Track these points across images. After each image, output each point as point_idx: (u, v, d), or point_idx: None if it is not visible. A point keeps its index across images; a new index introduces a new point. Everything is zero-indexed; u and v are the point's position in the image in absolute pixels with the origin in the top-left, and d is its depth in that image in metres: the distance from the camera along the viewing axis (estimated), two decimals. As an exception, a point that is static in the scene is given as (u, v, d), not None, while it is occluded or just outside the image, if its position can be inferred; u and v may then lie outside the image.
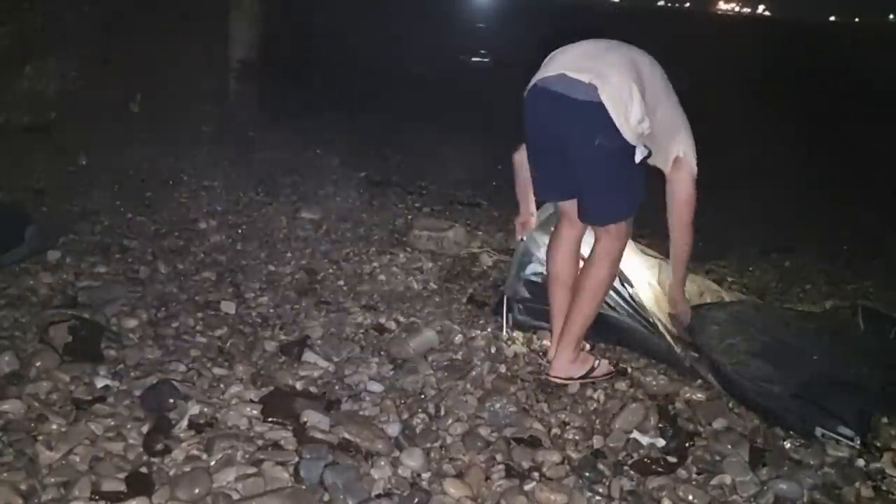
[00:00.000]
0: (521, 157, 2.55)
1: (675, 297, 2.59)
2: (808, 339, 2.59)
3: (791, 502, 1.91)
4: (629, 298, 2.60)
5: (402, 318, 2.83)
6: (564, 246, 2.49)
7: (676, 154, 2.31)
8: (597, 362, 2.43)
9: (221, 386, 2.20)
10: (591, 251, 2.38)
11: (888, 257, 4.43)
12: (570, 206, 2.43)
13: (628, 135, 2.15)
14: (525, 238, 2.74)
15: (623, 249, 2.37)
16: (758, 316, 2.77)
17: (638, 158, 2.20)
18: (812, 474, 1.99)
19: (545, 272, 2.78)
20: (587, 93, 2.14)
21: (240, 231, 3.77)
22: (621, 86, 2.15)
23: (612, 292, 2.56)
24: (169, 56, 5.83)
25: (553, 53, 2.33)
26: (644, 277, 2.77)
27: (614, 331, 2.63)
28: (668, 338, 2.51)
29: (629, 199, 2.30)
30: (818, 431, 2.14)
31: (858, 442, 2.11)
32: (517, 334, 2.72)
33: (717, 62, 13.40)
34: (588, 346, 2.62)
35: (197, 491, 1.70)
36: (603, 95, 2.13)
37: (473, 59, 13.68)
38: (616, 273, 2.42)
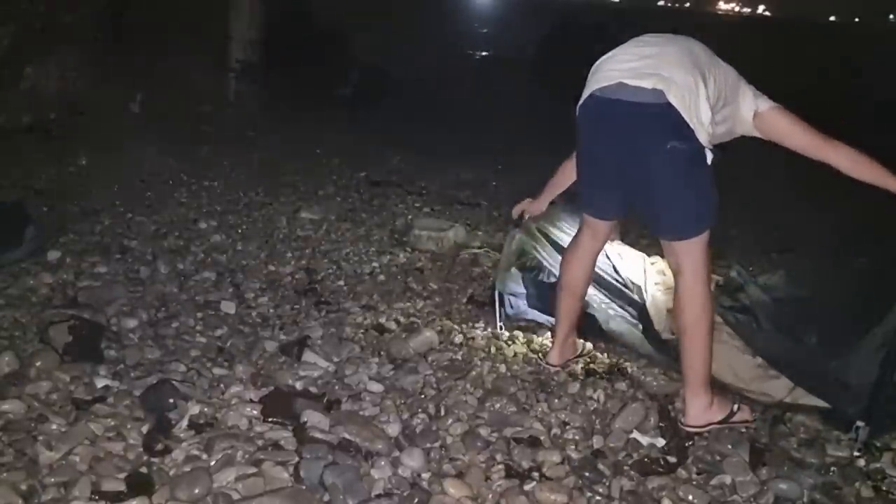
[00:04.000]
0: (568, 163, 2.44)
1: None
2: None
3: (791, 502, 1.91)
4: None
5: (402, 318, 2.83)
6: (582, 257, 2.42)
7: (753, 110, 2.19)
8: (736, 406, 2.21)
9: (221, 386, 2.19)
10: (677, 278, 2.14)
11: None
12: (602, 222, 2.35)
13: (703, 136, 2.01)
14: (519, 222, 2.72)
15: (708, 263, 2.15)
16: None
17: (709, 160, 2.05)
18: (812, 474, 1.99)
19: (539, 266, 2.78)
20: (653, 97, 2.01)
21: (240, 231, 3.78)
22: (687, 84, 2.01)
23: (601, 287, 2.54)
24: (169, 56, 5.84)
25: (600, 62, 2.17)
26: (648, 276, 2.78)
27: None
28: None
29: (710, 204, 2.11)
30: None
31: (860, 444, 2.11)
32: (517, 334, 2.72)
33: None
34: (581, 345, 2.62)
35: (197, 491, 1.70)
36: (671, 96, 1.99)
37: (474, 57, 13.69)
38: (710, 289, 2.17)
